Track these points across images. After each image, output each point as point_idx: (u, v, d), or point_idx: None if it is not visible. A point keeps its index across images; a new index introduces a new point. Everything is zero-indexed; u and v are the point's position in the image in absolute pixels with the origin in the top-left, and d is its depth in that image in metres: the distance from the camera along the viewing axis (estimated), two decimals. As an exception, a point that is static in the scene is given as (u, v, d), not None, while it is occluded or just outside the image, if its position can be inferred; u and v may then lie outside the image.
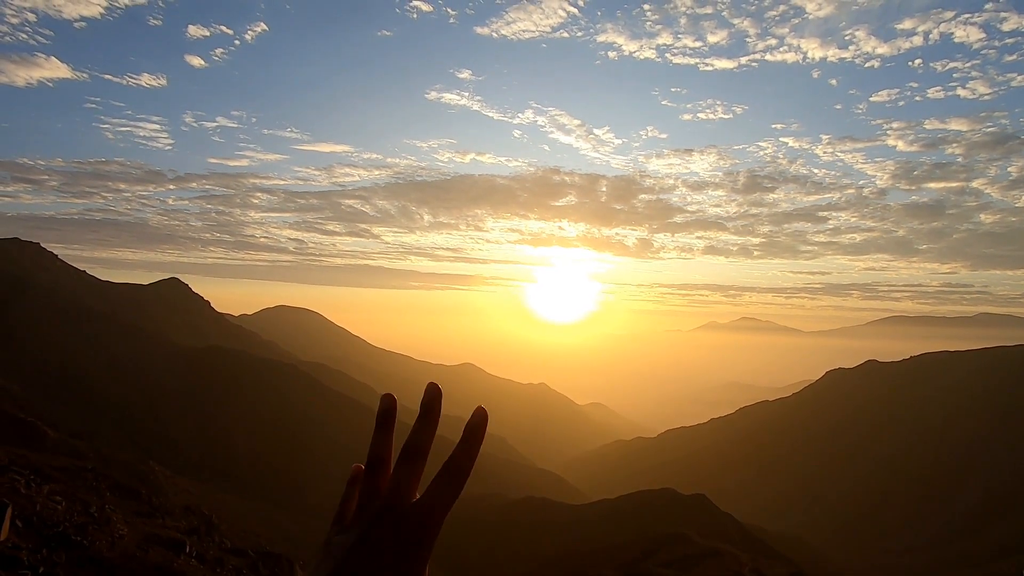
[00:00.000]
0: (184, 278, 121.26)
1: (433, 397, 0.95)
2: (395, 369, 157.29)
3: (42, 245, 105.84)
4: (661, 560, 37.07)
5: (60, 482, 16.04)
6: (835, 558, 71.48)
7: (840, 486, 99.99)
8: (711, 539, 41.45)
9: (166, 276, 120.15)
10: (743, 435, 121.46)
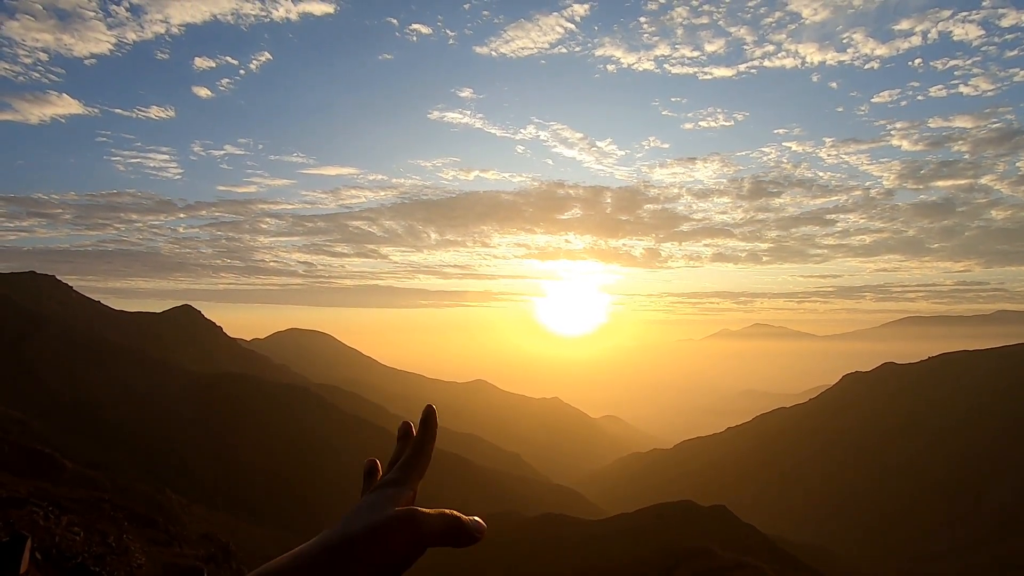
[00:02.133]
0: (196, 305, 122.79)
1: (430, 413, 0.99)
2: (407, 389, 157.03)
3: (57, 278, 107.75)
4: (683, 575, 36.38)
5: (78, 513, 16.11)
6: (862, 568, 69.77)
7: (863, 492, 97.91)
8: (734, 551, 40.64)
9: (179, 303, 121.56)
10: (761, 443, 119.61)
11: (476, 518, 0.98)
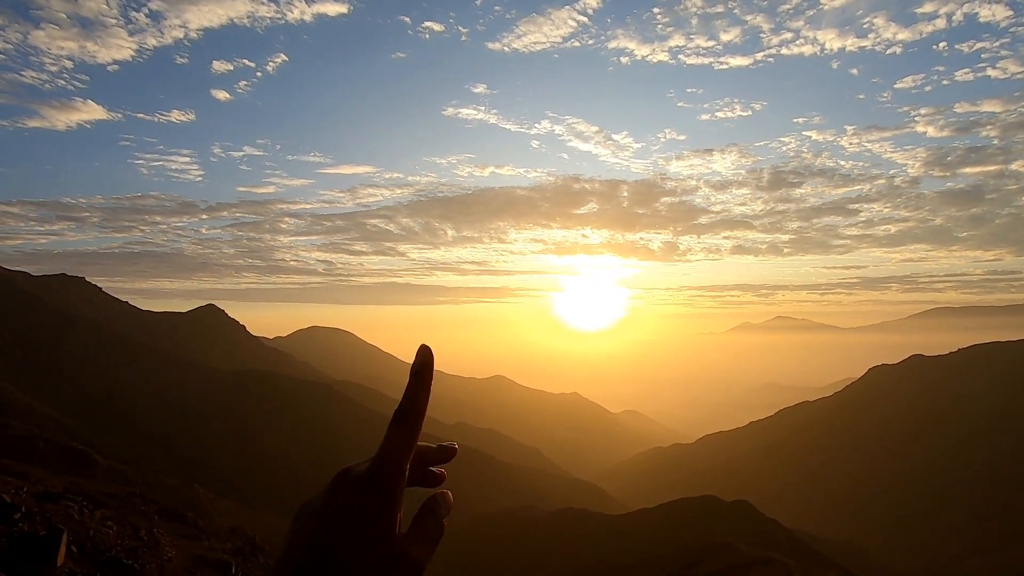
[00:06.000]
0: (220, 304, 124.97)
1: (426, 359, 0.95)
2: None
3: (87, 279, 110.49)
4: (706, 570, 36.10)
5: (111, 508, 16.57)
6: (890, 564, 68.50)
7: (891, 487, 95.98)
8: (757, 547, 40.19)
9: (203, 303, 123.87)
10: (785, 437, 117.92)
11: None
